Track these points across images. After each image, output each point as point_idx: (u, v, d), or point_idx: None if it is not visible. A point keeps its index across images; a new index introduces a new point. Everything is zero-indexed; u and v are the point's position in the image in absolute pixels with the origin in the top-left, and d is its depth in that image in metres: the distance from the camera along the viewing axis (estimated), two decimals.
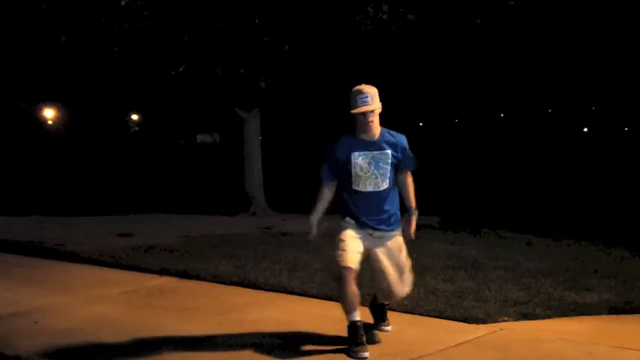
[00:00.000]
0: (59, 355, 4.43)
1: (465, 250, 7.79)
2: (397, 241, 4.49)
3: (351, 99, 4.34)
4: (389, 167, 4.40)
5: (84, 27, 12.66)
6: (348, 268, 4.27)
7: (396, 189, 4.51)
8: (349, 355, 4.24)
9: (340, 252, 4.33)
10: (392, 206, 4.47)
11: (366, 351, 4.24)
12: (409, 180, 4.54)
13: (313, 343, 4.55)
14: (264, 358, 4.34)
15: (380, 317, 4.77)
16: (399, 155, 4.43)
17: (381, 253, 4.43)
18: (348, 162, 4.40)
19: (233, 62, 12.33)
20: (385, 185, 4.41)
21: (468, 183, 17.48)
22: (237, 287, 6.25)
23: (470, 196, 14.52)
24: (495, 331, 4.82)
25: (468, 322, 5.01)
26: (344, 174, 4.44)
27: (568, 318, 5.24)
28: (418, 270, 6.45)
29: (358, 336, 4.27)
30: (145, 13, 12.34)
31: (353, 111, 4.31)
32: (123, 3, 12.19)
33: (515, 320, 5.09)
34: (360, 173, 4.39)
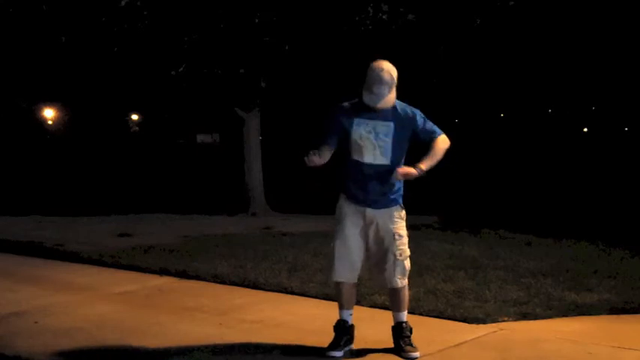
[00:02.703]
0: (59, 355, 4.43)
1: (465, 250, 7.79)
2: (394, 221, 4.28)
3: (368, 74, 4.20)
4: (389, 141, 4.22)
5: (84, 27, 12.65)
6: (343, 283, 4.35)
7: (400, 165, 4.29)
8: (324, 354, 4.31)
9: (338, 265, 4.31)
10: (391, 187, 4.28)
11: (339, 351, 4.29)
12: (435, 142, 4.28)
13: (313, 344, 4.54)
14: (264, 358, 4.35)
15: (399, 342, 4.32)
16: (409, 131, 4.28)
17: (375, 235, 4.28)
18: (348, 127, 4.26)
19: (233, 62, 12.33)
20: (384, 160, 4.24)
21: (467, 183, 17.48)
22: (237, 287, 6.24)
23: (470, 196, 14.52)
24: (495, 331, 4.82)
25: (468, 322, 5.01)
26: (344, 141, 4.30)
27: (568, 318, 5.23)
28: (418, 270, 6.48)
29: (338, 335, 4.35)
30: (145, 13, 12.33)
31: (371, 104, 4.19)
32: (123, 3, 12.18)
33: (515, 320, 5.09)
34: (360, 142, 4.24)
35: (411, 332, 4.33)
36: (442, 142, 4.32)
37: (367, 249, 4.33)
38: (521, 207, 12.47)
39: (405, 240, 4.32)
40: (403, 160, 4.34)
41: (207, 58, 12.43)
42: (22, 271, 7.19)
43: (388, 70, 4.20)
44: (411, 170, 4.16)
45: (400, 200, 4.36)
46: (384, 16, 12.73)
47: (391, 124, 4.24)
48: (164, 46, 12.38)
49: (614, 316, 5.33)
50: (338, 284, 4.39)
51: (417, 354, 4.25)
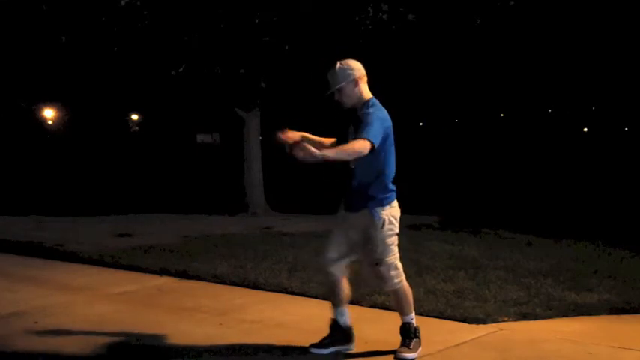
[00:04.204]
0: (59, 355, 4.43)
1: (465, 250, 7.79)
2: (369, 229, 4.23)
3: None
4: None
5: (84, 27, 12.65)
6: (327, 274, 4.41)
7: (374, 170, 4.21)
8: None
9: (323, 259, 4.41)
10: (363, 187, 4.23)
11: (323, 349, 4.35)
12: (354, 141, 4.06)
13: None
14: (264, 358, 4.34)
15: (402, 339, 4.34)
16: None
17: (355, 240, 4.30)
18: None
19: (233, 62, 12.33)
20: (353, 162, 4.22)
21: (468, 183, 17.49)
22: (237, 287, 6.24)
23: (470, 196, 14.52)
24: (495, 331, 4.83)
25: (468, 322, 5.01)
26: None
27: (568, 318, 5.24)
28: (418, 270, 6.49)
29: (327, 334, 4.40)
30: (145, 13, 12.33)
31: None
32: (123, 3, 12.18)
33: (515, 320, 5.10)
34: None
35: (415, 334, 4.32)
36: (357, 143, 4.03)
37: (353, 251, 4.36)
38: (521, 207, 12.48)
39: (384, 248, 4.22)
40: (380, 164, 4.22)
41: (207, 58, 12.43)
42: (22, 271, 7.19)
43: (337, 63, 4.28)
44: (311, 149, 3.88)
45: (375, 209, 4.22)
46: (384, 16, 12.72)
47: (353, 126, 4.29)
48: (164, 46, 12.38)
49: (614, 316, 5.33)
50: (326, 276, 4.43)
51: (408, 355, 4.24)
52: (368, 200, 4.25)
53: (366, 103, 4.26)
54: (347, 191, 4.36)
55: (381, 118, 4.17)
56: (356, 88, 4.25)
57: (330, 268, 4.37)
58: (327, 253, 4.37)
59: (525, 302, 5.51)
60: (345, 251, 4.35)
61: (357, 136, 4.10)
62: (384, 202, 4.25)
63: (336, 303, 4.43)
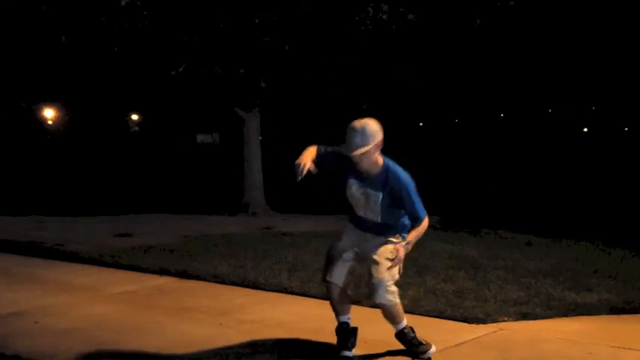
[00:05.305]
0: (59, 355, 4.43)
1: (465, 250, 7.79)
2: (380, 249, 4.18)
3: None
4: (378, 208, 4.15)
5: (84, 27, 12.66)
6: (332, 284, 4.23)
7: (397, 219, 4.26)
8: (336, 355, 4.24)
9: (328, 265, 4.26)
10: (388, 225, 4.24)
11: (350, 351, 4.24)
12: (418, 226, 4.22)
13: (313, 344, 4.55)
14: (263, 358, 4.34)
15: (408, 345, 4.30)
16: (398, 201, 4.15)
17: (368, 254, 4.18)
18: (344, 181, 4.19)
19: (233, 62, 12.34)
20: (375, 219, 4.20)
21: (468, 183, 17.50)
22: (237, 287, 6.24)
23: (470, 196, 14.53)
24: (495, 331, 4.83)
25: (468, 322, 5.01)
26: (343, 187, 4.25)
27: (568, 318, 5.24)
28: (418, 270, 6.49)
29: (342, 337, 4.27)
30: (145, 13, 12.34)
31: (345, 153, 4.01)
32: (123, 3, 12.19)
33: (515, 320, 5.10)
34: (352, 200, 4.22)
35: (414, 332, 4.32)
36: (423, 228, 4.25)
37: (360, 264, 4.24)
38: (521, 207, 12.48)
39: (384, 267, 4.13)
40: (400, 215, 4.27)
41: (207, 58, 12.44)
42: (22, 271, 7.19)
43: (362, 122, 4.04)
44: (402, 251, 4.13)
45: (393, 235, 4.25)
46: (384, 16, 12.74)
47: (380, 195, 4.12)
48: (164, 46, 12.39)
49: (614, 316, 5.33)
50: (328, 287, 4.27)
51: (432, 349, 4.26)
52: (391, 231, 4.26)
53: (385, 166, 4.13)
54: (365, 227, 4.25)
55: (412, 183, 4.18)
56: (377, 152, 4.09)
57: (338, 282, 4.20)
58: (335, 270, 4.22)
59: (525, 302, 5.51)
60: (348, 267, 4.21)
61: (410, 215, 4.21)
62: (402, 232, 4.28)
63: (342, 311, 4.30)
